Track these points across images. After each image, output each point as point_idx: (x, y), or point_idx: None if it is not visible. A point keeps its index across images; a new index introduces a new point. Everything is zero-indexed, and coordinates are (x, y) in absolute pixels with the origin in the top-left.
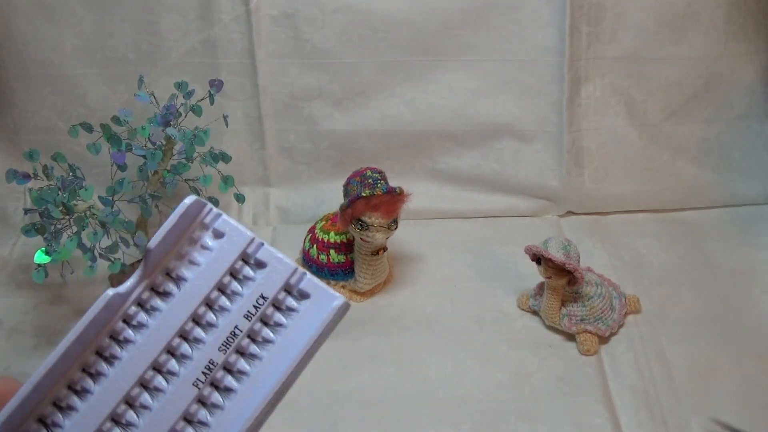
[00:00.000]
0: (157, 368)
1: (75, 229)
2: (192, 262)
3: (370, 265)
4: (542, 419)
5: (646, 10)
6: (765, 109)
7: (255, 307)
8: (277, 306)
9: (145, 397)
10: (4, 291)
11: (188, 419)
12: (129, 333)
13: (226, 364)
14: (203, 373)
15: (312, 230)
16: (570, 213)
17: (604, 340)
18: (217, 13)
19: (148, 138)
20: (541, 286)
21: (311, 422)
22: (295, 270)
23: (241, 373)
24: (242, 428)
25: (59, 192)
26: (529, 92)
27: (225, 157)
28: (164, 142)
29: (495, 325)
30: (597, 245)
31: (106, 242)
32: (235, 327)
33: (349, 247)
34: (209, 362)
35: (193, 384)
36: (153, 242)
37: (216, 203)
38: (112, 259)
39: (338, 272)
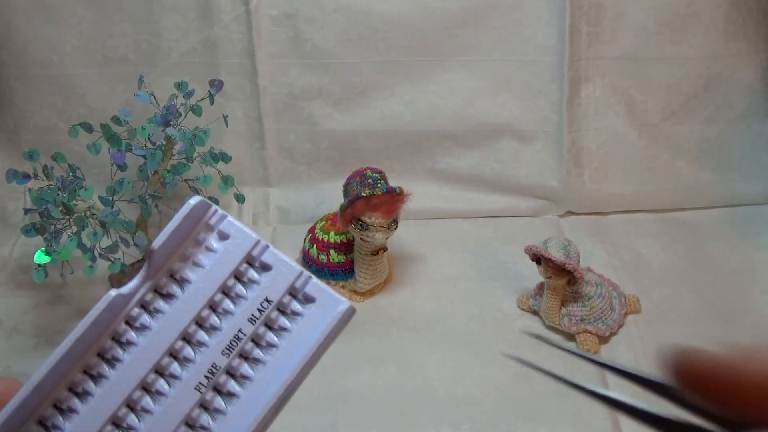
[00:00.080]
0: (160, 371)
1: (75, 229)
2: (196, 264)
3: (370, 265)
4: (542, 419)
5: (646, 10)
6: (765, 109)
7: (259, 310)
8: (281, 310)
9: (147, 401)
10: (4, 291)
11: (190, 424)
12: (131, 335)
13: (229, 369)
14: (206, 377)
15: (312, 230)
16: (570, 213)
17: (604, 340)
18: (217, 13)
19: (148, 138)
20: (541, 286)
21: (311, 422)
22: (301, 273)
23: (244, 377)
24: None
25: (59, 192)
26: (529, 92)
27: (225, 157)
28: (164, 142)
29: (495, 325)
30: (597, 245)
31: (106, 242)
32: (239, 331)
33: (349, 247)
34: (212, 366)
35: (195, 388)
36: (157, 243)
37: (216, 203)
38: (112, 259)
39: (338, 272)
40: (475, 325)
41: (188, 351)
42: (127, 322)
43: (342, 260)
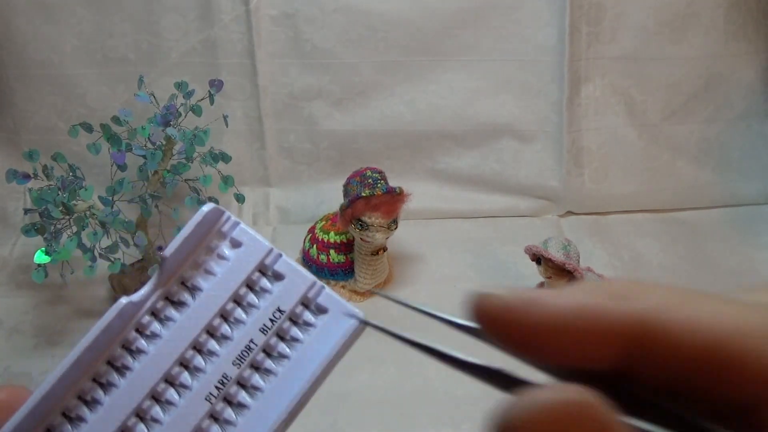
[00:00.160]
0: (170, 380)
1: (75, 229)
2: (208, 272)
3: (370, 265)
4: None
5: (646, 10)
6: (765, 109)
7: (271, 320)
8: (293, 320)
9: (157, 410)
10: (4, 291)
11: None
12: (142, 343)
13: (240, 379)
14: (216, 387)
15: (312, 230)
16: (570, 213)
17: None
18: (217, 13)
19: (148, 138)
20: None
21: (311, 422)
22: (314, 283)
23: (255, 388)
24: None
25: (59, 192)
26: (529, 92)
27: (225, 157)
28: (164, 142)
29: None
30: (597, 245)
31: (106, 242)
32: (251, 341)
33: (349, 247)
34: (222, 376)
35: (205, 398)
36: (169, 250)
37: (216, 203)
38: (112, 259)
39: (338, 272)
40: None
41: (199, 360)
42: (137, 330)
43: (342, 260)
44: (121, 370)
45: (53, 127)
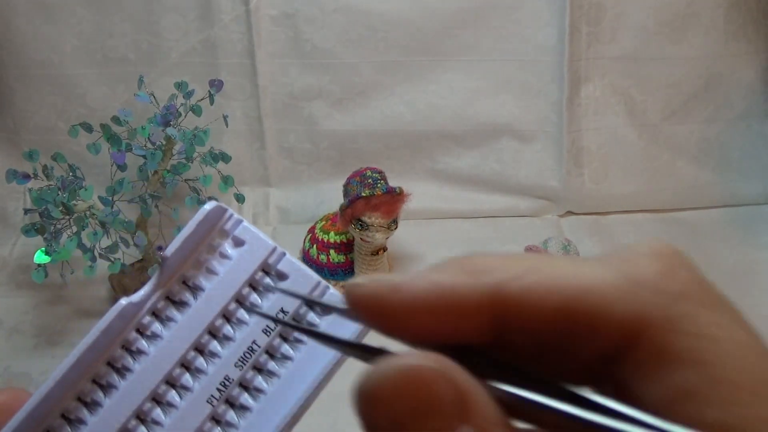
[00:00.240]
0: (171, 382)
1: (75, 229)
2: (210, 271)
3: (370, 265)
4: None
5: (646, 10)
6: (765, 109)
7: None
8: (297, 320)
9: (158, 412)
10: (4, 291)
11: None
12: (142, 344)
13: (243, 381)
14: (218, 389)
15: (312, 230)
16: (570, 213)
17: None
18: (217, 13)
19: (148, 138)
20: None
21: (311, 422)
22: (318, 283)
23: (258, 390)
24: None
25: (59, 192)
26: (529, 92)
27: (225, 157)
28: (164, 142)
29: None
30: (597, 245)
31: (106, 242)
32: (253, 342)
33: (349, 247)
34: (224, 378)
35: (207, 401)
36: (170, 250)
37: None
38: (112, 259)
39: (338, 272)
40: None
41: (200, 362)
42: (138, 331)
43: (342, 260)
44: (122, 371)
45: (53, 127)
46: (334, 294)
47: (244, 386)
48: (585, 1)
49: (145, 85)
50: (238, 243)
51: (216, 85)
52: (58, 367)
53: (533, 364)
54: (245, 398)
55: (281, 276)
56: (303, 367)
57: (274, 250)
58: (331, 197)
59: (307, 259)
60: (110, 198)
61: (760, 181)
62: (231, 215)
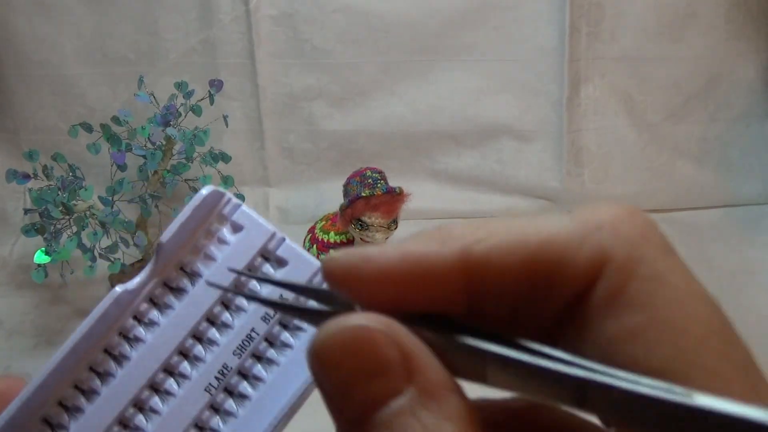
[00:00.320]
0: (169, 370)
1: (75, 229)
2: (208, 257)
3: None
4: None
5: (646, 10)
6: (765, 109)
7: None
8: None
9: (155, 401)
10: (4, 291)
11: (200, 426)
12: (140, 331)
13: (242, 369)
14: (216, 378)
15: (312, 230)
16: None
17: None
18: (216, 13)
19: (148, 138)
20: None
21: (311, 421)
22: (318, 270)
23: (257, 379)
24: None
25: (59, 192)
26: (529, 92)
27: (225, 157)
28: (164, 142)
29: None
30: None
31: (106, 242)
32: (252, 330)
33: (349, 247)
34: (223, 366)
35: (205, 389)
36: (165, 236)
37: None
38: (112, 259)
39: None
40: None
41: (198, 349)
42: (135, 318)
43: None
44: (119, 359)
45: (53, 127)
46: None
47: (243, 374)
48: (585, 1)
49: (145, 85)
50: (237, 228)
51: (216, 85)
52: (54, 355)
53: (506, 330)
54: (244, 387)
55: (281, 262)
56: (303, 355)
57: (273, 235)
58: (331, 197)
59: None
60: (110, 198)
61: (760, 181)
62: (229, 199)
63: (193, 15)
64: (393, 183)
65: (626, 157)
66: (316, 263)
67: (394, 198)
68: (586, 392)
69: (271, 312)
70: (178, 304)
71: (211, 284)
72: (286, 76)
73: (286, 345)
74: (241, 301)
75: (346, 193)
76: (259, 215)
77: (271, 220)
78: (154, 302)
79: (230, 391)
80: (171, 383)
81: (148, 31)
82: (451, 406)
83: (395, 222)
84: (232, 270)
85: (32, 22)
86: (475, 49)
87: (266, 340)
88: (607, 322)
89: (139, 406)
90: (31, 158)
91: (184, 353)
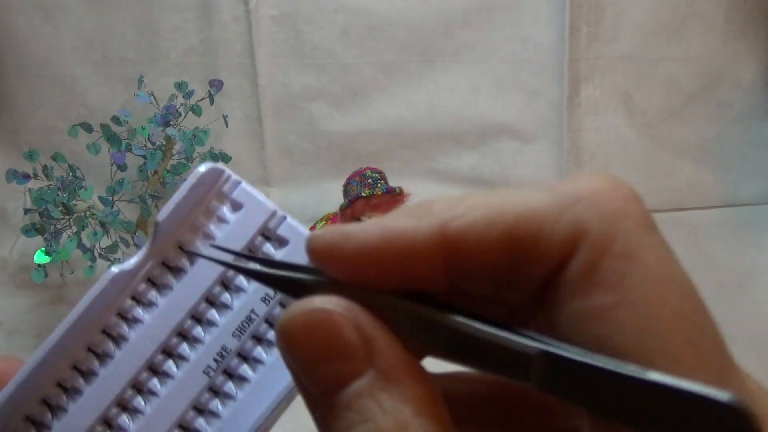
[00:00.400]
0: (167, 351)
1: (75, 229)
2: (207, 236)
3: None
4: None
5: (646, 10)
6: (765, 109)
7: None
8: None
9: (154, 383)
10: (4, 291)
11: (199, 409)
12: (138, 311)
13: (241, 351)
14: (215, 360)
15: (312, 230)
16: None
17: None
18: (217, 13)
19: (148, 138)
20: None
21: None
22: None
23: (257, 361)
24: (256, 422)
25: (59, 192)
26: (529, 92)
27: (225, 157)
28: (164, 142)
29: None
30: None
31: (106, 242)
32: (251, 311)
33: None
34: (222, 348)
35: (203, 371)
36: (162, 215)
37: None
38: (112, 259)
39: None
40: None
41: (198, 331)
42: (133, 298)
43: None
44: (117, 339)
45: (53, 127)
46: None
47: (243, 356)
48: (585, 1)
49: (145, 85)
50: (236, 206)
51: (216, 85)
52: (51, 336)
53: (488, 307)
54: (244, 369)
55: (281, 241)
56: None
57: (274, 213)
58: (331, 197)
59: None
60: (110, 198)
61: (760, 181)
62: (229, 177)
63: (193, 15)
64: (393, 183)
65: (626, 157)
66: None
67: (394, 198)
68: (542, 368)
69: (271, 292)
70: (177, 284)
71: (208, 257)
72: (286, 76)
73: None
74: (241, 282)
75: (346, 193)
76: (260, 192)
77: None
78: (152, 282)
79: (230, 374)
80: (170, 365)
81: (148, 31)
82: (410, 389)
83: None
84: (225, 250)
85: (32, 22)
86: (475, 49)
87: (266, 321)
88: (577, 301)
89: (138, 387)
90: (31, 158)
91: (183, 334)
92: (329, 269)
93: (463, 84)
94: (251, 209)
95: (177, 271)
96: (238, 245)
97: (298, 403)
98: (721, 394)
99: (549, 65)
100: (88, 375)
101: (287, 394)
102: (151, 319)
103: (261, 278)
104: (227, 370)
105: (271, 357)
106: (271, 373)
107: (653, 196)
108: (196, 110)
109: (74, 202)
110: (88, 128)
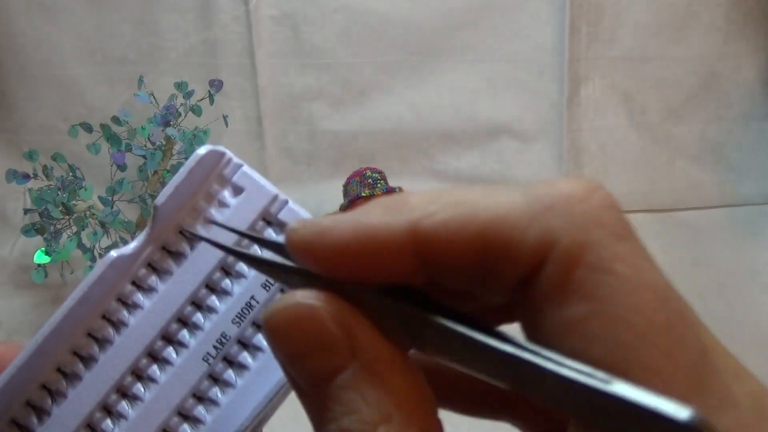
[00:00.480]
0: (167, 338)
1: (75, 229)
2: (208, 220)
3: None
4: None
5: (646, 10)
6: (765, 109)
7: None
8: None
9: (153, 369)
10: (4, 291)
11: (198, 396)
12: (138, 297)
13: (241, 338)
14: (214, 347)
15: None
16: None
17: None
18: (217, 13)
19: (148, 138)
20: None
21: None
22: None
23: (257, 348)
24: (255, 410)
25: (59, 192)
26: (529, 92)
27: None
28: (164, 142)
29: None
30: None
31: (106, 242)
32: (252, 297)
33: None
34: (221, 335)
35: (203, 358)
36: (160, 199)
37: None
38: None
39: None
40: None
41: (197, 317)
42: (133, 283)
43: None
44: (117, 324)
45: (53, 127)
46: None
47: (243, 344)
48: (585, 0)
49: (145, 85)
50: (238, 190)
51: (216, 85)
52: (49, 320)
53: (466, 303)
54: (243, 356)
55: (283, 226)
56: None
57: (275, 197)
58: (331, 197)
59: None
60: (110, 198)
61: (760, 181)
62: (230, 159)
63: (193, 15)
64: (393, 183)
65: (626, 157)
66: None
67: None
68: (516, 371)
69: (271, 280)
70: (177, 270)
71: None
72: (286, 76)
73: None
74: (242, 268)
75: (346, 193)
76: (262, 176)
77: None
78: (153, 267)
79: (229, 361)
80: (169, 351)
81: (148, 31)
82: (394, 382)
83: None
84: (228, 228)
85: (32, 22)
86: (475, 49)
87: None
88: (550, 311)
89: (137, 374)
90: (31, 158)
91: (182, 320)
92: (306, 264)
93: (463, 84)
94: (252, 193)
95: (177, 256)
96: (240, 229)
97: None
98: (680, 411)
99: (549, 65)
100: (87, 360)
101: (287, 383)
102: (150, 304)
103: (258, 264)
104: (227, 357)
105: None
106: (271, 361)
107: (653, 196)
108: (196, 110)
109: (74, 202)
110: (88, 128)
